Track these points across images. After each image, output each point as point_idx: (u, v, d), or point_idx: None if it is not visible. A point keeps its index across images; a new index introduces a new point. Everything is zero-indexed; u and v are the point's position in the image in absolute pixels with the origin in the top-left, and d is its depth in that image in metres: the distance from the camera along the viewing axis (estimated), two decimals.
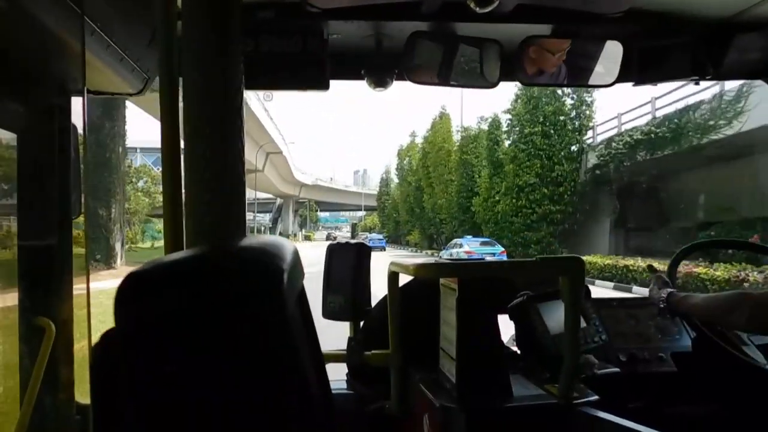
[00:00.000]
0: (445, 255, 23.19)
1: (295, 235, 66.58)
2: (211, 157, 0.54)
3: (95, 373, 0.42)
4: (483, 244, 22.06)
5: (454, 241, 24.62)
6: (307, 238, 65.24)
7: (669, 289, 1.49)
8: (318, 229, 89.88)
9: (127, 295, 0.37)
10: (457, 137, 32.34)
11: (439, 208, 32.54)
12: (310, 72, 1.52)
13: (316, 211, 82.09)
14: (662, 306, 1.47)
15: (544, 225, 20.79)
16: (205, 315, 0.37)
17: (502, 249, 22.06)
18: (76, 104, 1.42)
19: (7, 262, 1.46)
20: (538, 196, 20.65)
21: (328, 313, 1.46)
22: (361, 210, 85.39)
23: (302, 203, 77.01)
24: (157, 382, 0.36)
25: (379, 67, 1.61)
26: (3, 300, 1.40)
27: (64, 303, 1.41)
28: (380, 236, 46.51)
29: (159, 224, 27.61)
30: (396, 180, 51.50)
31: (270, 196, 65.48)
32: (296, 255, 0.48)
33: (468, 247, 21.48)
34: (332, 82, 1.55)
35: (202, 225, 0.55)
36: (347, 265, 1.45)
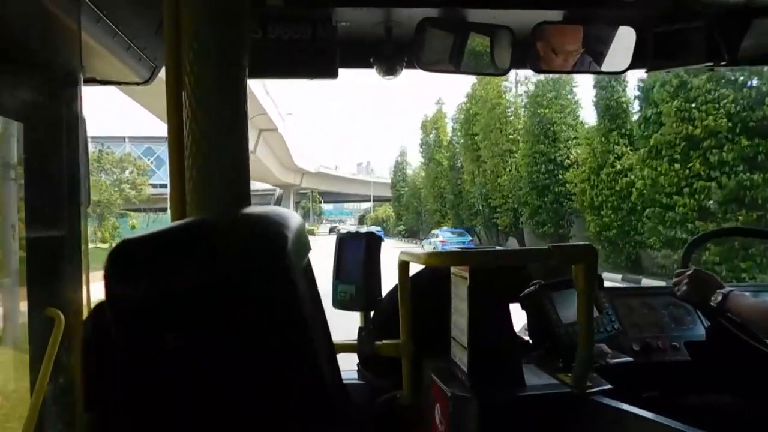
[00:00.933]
0: (425, 244, 26.39)
1: None
2: (215, 147, 0.53)
3: (86, 347, 0.39)
4: (455, 234, 25.21)
5: (432, 232, 26.63)
6: (310, 232, 61.98)
7: (727, 289, 1.38)
8: (322, 222, 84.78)
9: (118, 265, 0.33)
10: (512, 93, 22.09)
11: (491, 190, 21.99)
12: (318, 60, 1.50)
13: (320, 202, 76.43)
14: (714, 306, 1.37)
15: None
16: (202, 286, 0.33)
17: (471, 238, 24.33)
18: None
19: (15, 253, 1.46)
20: (730, 156, 9.77)
21: (339, 303, 1.46)
22: (369, 201, 75.93)
23: (304, 194, 70.29)
24: (152, 358, 0.33)
25: (389, 54, 1.59)
26: (12, 291, 1.40)
27: (74, 293, 1.41)
28: (378, 228, 48.08)
29: (136, 219, 25.63)
30: (415, 163, 42.29)
31: (268, 186, 59.51)
32: (302, 225, 0.46)
33: (442, 237, 24.92)
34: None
35: (208, 193, 0.53)
36: (357, 254, 1.44)
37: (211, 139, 0.53)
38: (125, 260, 0.34)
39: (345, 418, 0.54)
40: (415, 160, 44.46)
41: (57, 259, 1.37)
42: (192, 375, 0.33)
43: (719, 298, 1.37)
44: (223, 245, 0.35)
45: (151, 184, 26.91)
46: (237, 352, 0.34)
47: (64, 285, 1.39)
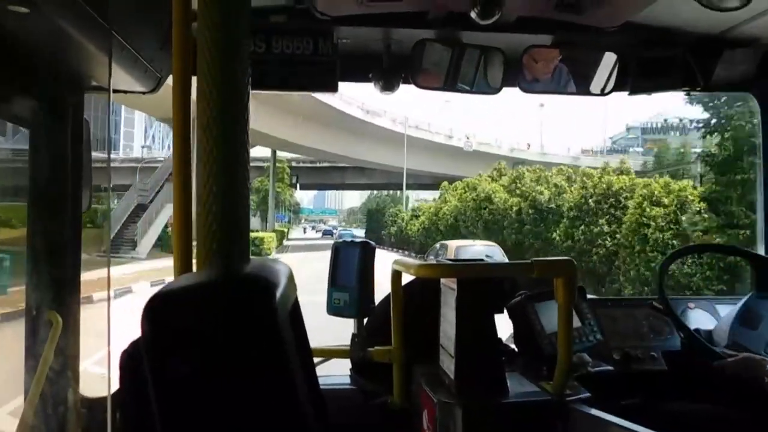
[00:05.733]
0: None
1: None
2: (217, 156, 0.58)
3: (124, 371, 0.52)
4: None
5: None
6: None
7: None
8: (299, 222, 68.19)
9: (154, 312, 0.47)
10: None
11: None
12: (319, 74, 1.56)
13: (291, 184, 42.48)
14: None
15: None
16: (212, 330, 0.48)
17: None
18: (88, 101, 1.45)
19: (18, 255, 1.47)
20: None
21: (333, 310, 1.50)
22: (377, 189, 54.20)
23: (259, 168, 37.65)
24: (174, 380, 0.47)
25: (387, 71, 1.66)
26: (11, 294, 1.41)
27: (72, 297, 1.42)
28: (350, 231, 44.70)
29: None
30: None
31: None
32: (290, 274, 0.60)
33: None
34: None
35: (213, 239, 0.58)
36: (352, 263, 1.48)
37: (213, 146, 0.57)
38: (156, 310, 0.48)
39: (321, 423, 0.64)
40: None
41: (57, 263, 1.39)
42: (201, 394, 0.48)
43: None
44: (227, 303, 0.50)
45: None
46: (231, 383, 0.48)
47: (63, 288, 1.41)
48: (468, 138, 36.98)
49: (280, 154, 37.66)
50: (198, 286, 0.53)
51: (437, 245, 19.22)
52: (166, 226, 21.65)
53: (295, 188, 42.61)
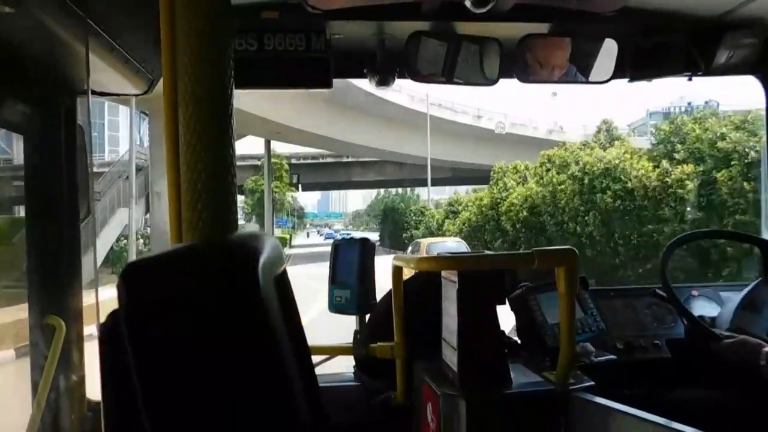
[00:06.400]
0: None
1: None
2: (203, 155, 0.58)
3: (104, 344, 0.50)
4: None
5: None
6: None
7: (767, 348, 1.35)
8: (305, 227, 67.95)
9: (130, 280, 0.46)
10: None
11: None
12: (313, 71, 1.54)
13: (292, 183, 35.38)
14: (764, 363, 1.33)
15: None
16: (190, 298, 0.46)
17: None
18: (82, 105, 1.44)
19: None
20: None
21: (335, 307, 1.50)
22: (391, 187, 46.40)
23: (254, 169, 33.84)
24: (154, 347, 0.45)
25: (382, 65, 1.63)
26: (14, 299, 1.42)
27: (74, 301, 1.43)
28: (347, 233, 43.04)
29: None
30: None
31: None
32: (276, 245, 0.59)
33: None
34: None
35: (199, 218, 0.59)
36: (352, 260, 1.48)
37: (198, 145, 0.58)
38: (134, 278, 0.46)
39: (312, 417, 0.63)
40: None
41: (57, 268, 1.40)
42: (182, 363, 0.46)
43: (764, 363, 1.35)
44: (206, 269, 0.48)
45: None
46: (213, 349, 0.46)
47: (64, 293, 1.41)
48: (500, 120, 28.73)
49: (276, 149, 32.64)
50: (177, 253, 0.52)
51: (412, 244, 18.94)
52: (119, 239, 18.05)
53: (297, 188, 36.26)
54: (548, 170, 15.78)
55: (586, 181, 13.58)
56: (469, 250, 15.42)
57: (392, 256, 1.55)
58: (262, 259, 0.50)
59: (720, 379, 1.42)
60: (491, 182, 19.42)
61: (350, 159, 35.91)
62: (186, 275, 0.47)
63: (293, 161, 36.96)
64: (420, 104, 27.16)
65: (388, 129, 27.17)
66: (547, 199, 15.19)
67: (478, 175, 27.96)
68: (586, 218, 13.29)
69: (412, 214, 29.63)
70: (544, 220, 15.32)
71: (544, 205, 15.29)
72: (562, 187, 14.48)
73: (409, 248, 18.55)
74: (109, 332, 0.49)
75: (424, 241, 17.67)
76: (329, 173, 37.69)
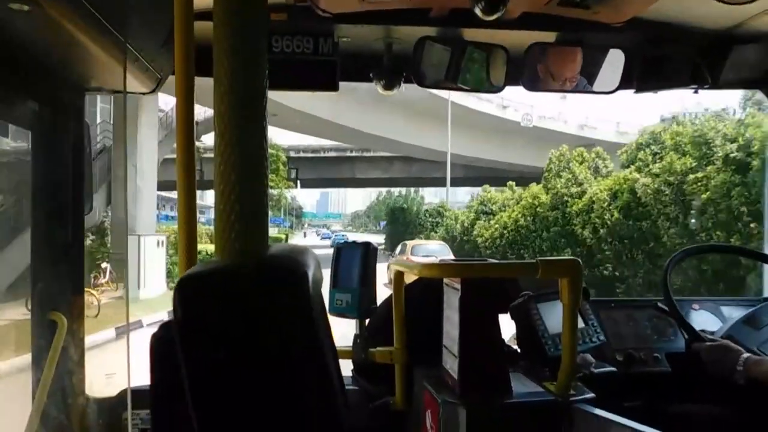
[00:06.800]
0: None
1: None
2: (236, 155, 0.58)
3: (155, 355, 0.51)
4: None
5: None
6: None
7: (746, 355, 1.36)
8: (302, 227, 67.56)
9: (187, 296, 0.47)
10: None
11: None
12: (319, 73, 1.55)
13: (290, 178, 29.27)
14: (740, 369, 1.35)
15: None
16: (245, 315, 0.47)
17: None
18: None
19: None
20: None
21: (335, 311, 1.50)
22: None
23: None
24: (208, 365, 0.46)
25: (388, 69, 1.64)
26: (16, 294, 1.43)
27: (76, 298, 1.43)
28: (342, 235, 41.97)
29: None
30: None
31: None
32: (316, 258, 0.58)
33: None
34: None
35: (232, 229, 0.58)
36: (354, 264, 1.48)
37: (232, 146, 0.57)
38: (190, 292, 0.47)
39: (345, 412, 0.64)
40: None
41: (61, 264, 1.40)
42: (234, 377, 0.47)
43: (740, 369, 1.36)
44: (259, 284, 0.49)
45: None
46: (265, 364, 0.47)
47: (67, 289, 1.42)
48: (526, 112, 24.81)
49: (273, 138, 28.50)
50: (229, 271, 0.52)
51: (401, 245, 17.53)
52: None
53: (296, 184, 31.22)
54: (655, 154, 11.18)
55: (755, 163, 8.52)
56: (451, 254, 14.84)
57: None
58: (310, 274, 0.51)
59: (699, 382, 1.42)
60: (548, 174, 15.26)
61: (355, 154, 33.01)
62: (240, 291, 0.48)
63: (291, 154, 32.82)
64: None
65: (403, 116, 24.11)
66: (666, 193, 10.21)
67: (493, 175, 24.61)
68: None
69: (427, 215, 25.94)
70: (657, 224, 10.43)
71: (658, 204, 10.36)
72: (702, 174, 9.52)
73: (398, 248, 18.04)
74: (159, 343, 0.50)
75: (410, 243, 17.43)
76: (331, 169, 34.24)
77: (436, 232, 23.17)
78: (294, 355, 0.48)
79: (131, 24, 1.25)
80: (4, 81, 1.20)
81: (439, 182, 26.66)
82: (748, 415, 1.35)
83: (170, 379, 0.47)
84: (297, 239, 48.82)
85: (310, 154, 34.86)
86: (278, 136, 30.94)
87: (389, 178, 35.28)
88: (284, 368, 0.48)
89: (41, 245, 1.40)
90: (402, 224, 26.94)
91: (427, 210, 26.82)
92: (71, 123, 1.40)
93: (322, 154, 34.65)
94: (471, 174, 27.79)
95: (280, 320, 0.48)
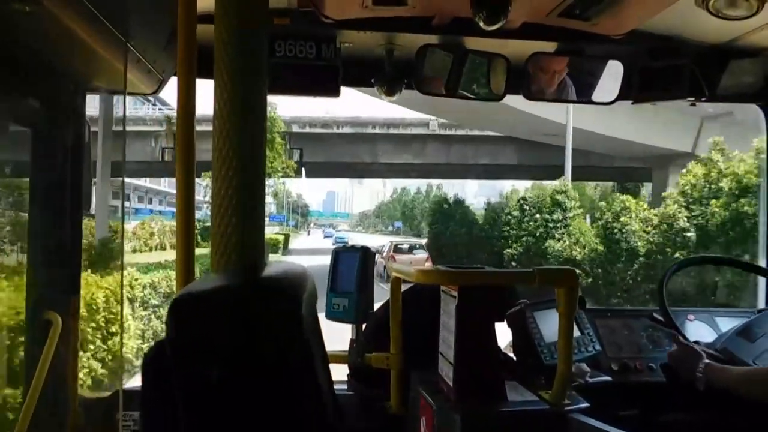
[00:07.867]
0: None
1: None
2: (234, 157, 0.57)
3: (148, 373, 0.51)
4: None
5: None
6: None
7: (706, 361, 1.35)
8: (308, 226, 65.63)
9: (180, 316, 0.47)
10: None
11: None
12: (321, 79, 1.56)
13: (297, 163, 20.61)
14: (699, 375, 1.33)
15: None
16: (240, 337, 0.47)
17: None
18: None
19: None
20: None
21: (332, 315, 1.50)
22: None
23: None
24: (201, 386, 0.46)
25: (390, 76, 1.65)
26: (11, 293, 1.42)
27: (71, 297, 1.43)
28: (341, 235, 44.71)
29: None
30: None
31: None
32: (311, 276, 0.60)
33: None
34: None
35: (228, 242, 0.57)
36: (352, 268, 1.48)
37: (231, 146, 0.57)
38: (183, 313, 0.47)
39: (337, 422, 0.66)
40: None
41: (57, 263, 1.40)
42: (228, 399, 0.47)
43: (700, 375, 1.34)
44: (252, 305, 0.49)
45: None
46: (259, 390, 0.48)
47: (63, 289, 1.41)
48: None
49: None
50: (224, 290, 0.53)
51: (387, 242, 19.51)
52: None
53: (299, 172, 23.22)
54: None
55: None
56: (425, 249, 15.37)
57: None
58: (304, 296, 0.52)
59: (714, 404, 1.42)
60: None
61: (378, 130, 22.66)
62: (233, 311, 0.48)
63: (295, 129, 22.82)
64: None
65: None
66: None
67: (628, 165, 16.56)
68: None
69: (525, 213, 14.54)
70: None
71: None
72: None
73: (385, 246, 19.57)
74: (152, 362, 0.50)
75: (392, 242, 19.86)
76: (345, 150, 23.24)
77: (558, 240, 13.67)
78: (285, 378, 0.48)
79: (133, 25, 1.25)
80: (6, 81, 1.20)
81: (512, 173, 18.37)
82: (742, 423, 1.35)
83: (163, 399, 0.47)
84: (300, 239, 45.92)
85: (318, 129, 23.23)
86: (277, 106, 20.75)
87: (422, 163, 24.13)
88: (276, 390, 0.48)
89: (38, 244, 1.39)
90: (456, 234, 16.39)
91: (524, 200, 15.02)
92: (71, 122, 1.40)
93: (334, 130, 23.22)
94: (523, 163, 18.99)
95: (273, 343, 0.48)
